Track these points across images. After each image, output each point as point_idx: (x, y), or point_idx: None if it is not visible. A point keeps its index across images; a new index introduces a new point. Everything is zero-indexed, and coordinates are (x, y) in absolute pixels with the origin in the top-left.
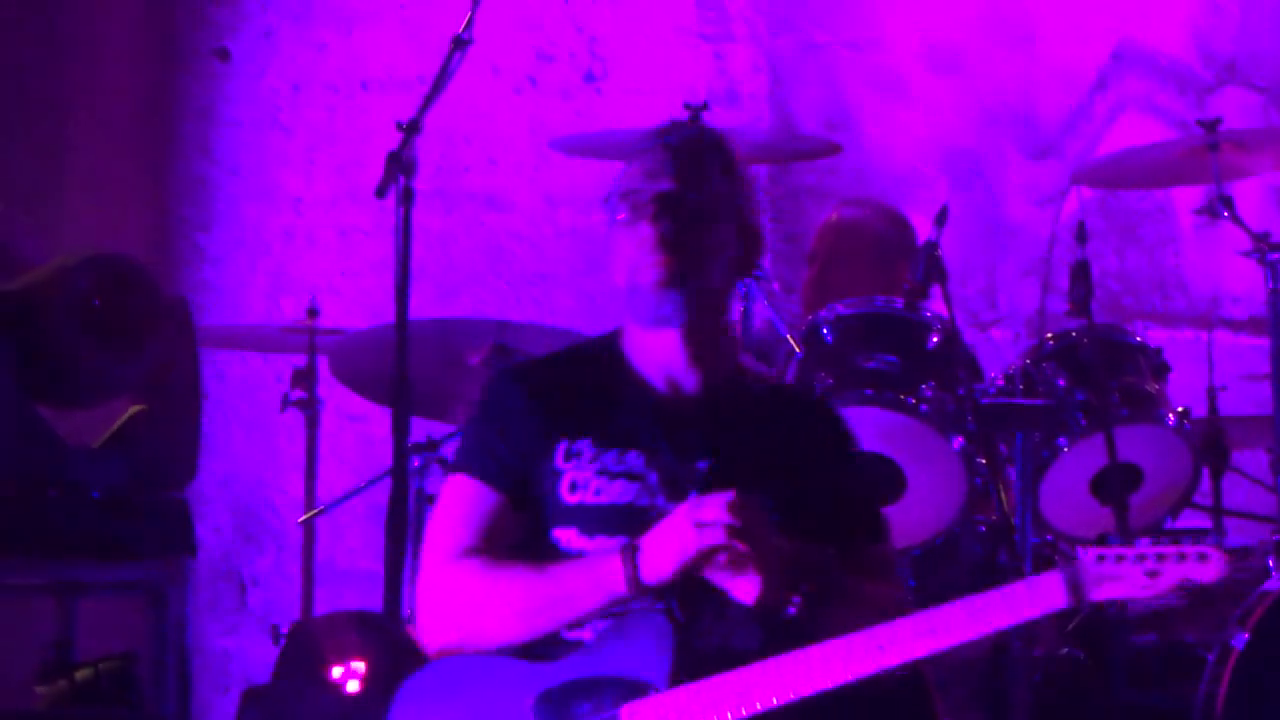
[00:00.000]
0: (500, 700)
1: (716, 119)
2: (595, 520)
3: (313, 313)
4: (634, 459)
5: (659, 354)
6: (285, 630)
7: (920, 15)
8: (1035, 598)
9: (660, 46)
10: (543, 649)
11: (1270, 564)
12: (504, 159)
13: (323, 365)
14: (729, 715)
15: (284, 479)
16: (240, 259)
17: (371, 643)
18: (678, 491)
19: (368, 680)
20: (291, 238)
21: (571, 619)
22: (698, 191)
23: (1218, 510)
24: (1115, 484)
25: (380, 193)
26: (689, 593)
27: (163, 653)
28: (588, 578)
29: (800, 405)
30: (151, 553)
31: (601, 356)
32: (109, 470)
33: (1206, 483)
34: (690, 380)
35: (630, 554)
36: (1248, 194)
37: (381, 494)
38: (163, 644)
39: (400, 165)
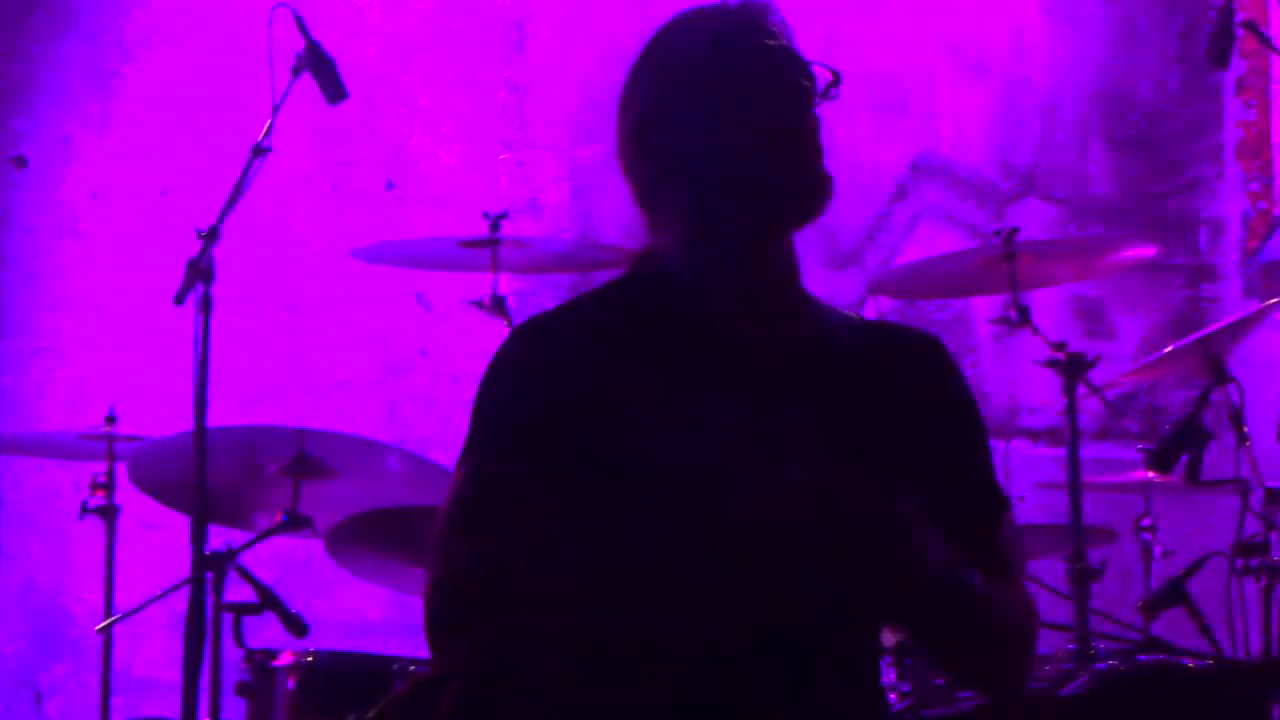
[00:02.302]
0: None
1: (517, 228)
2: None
3: (111, 420)
4: (713, 412)
5: (747, 282)
6: None
7: None
8: None
9: (462, 154)
10: None
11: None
12: (305, 266)
13: (121, 472)
14: None
15: (82, 587)
16: (38, 366)
17: None
18: (772, 452)
19: None
20: (90, 345)
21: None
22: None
23: None
24: None
25: (179, 300)
26: None
27: None
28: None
29: (901, 345)
30: None
31: (643, 298)
32: None
33: None
34: (778, 317)
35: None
36: (1045, 304)
37: (180, 602)
38: None
39: (199, 272)
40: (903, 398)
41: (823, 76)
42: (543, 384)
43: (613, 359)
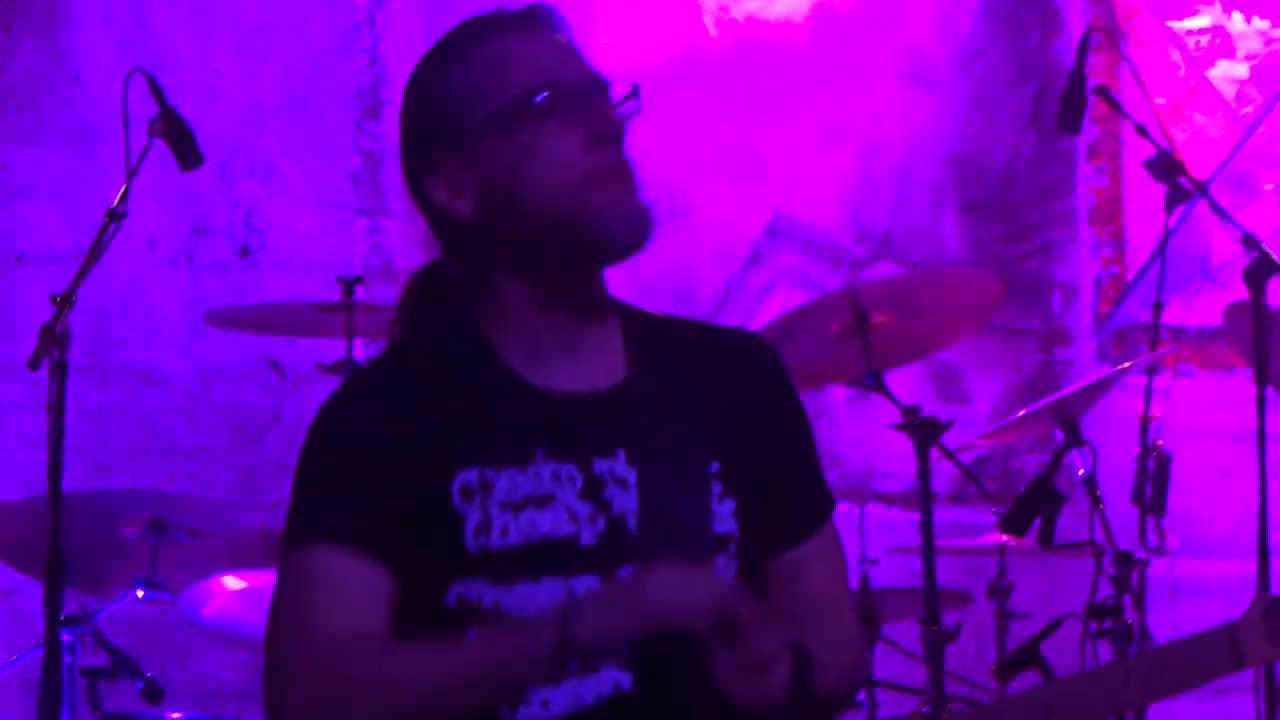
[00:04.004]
0: None
1: (371, 293)
2: (511, 565)
3: None
4: (540, 472)
5: (560, 317)
6: None
7: None
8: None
9: (316, 221)
10: None
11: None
12: (160, 333)
13: None
14: None
15: None
16: None
17: None
18: (601, 503)
19: None
20: None
21: (494, 692)
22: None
23: (870, 682)
24: None
25: (33, 365)
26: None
27: None
28: (510, 639)
29: (722, 346)
30: None
31: (452, 343)
32: None
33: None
34: (599, 347)
35: (564, 616)
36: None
37: (35, 668)
38: None
39: (53, 338)
40: (725, 404)
41: (623, 90)
42: (373, 466)
43: (430, 414)
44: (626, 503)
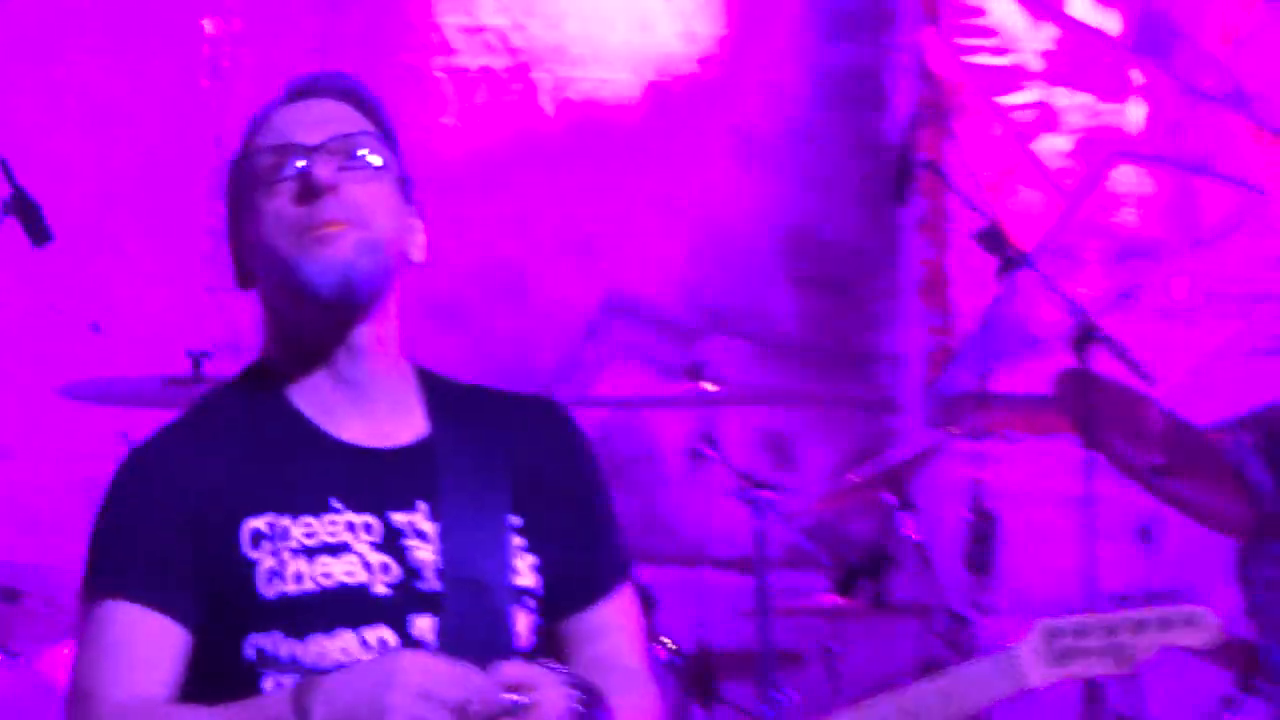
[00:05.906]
0: None
1: (219, 367)
2: (304, 615)
3: None
4: (335, 521)
5: (341, 370)
6: None
7: (418, 269)
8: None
9: (165, 296)
10: None
11: None
12: (7, 408)
13: None
14: None
15: None
16: None
17: None
18: (397, 553)
19: None
20: None
21: None
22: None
23: None
24: None
25: None
26: None
27: None
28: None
29: (519, 410)
30: None
31: (250, 396)
32: None
33: (698, 715)
34: (396, 404)
35: (302, 697)
36: (733, 435)
37: None
38: None
39: None
40: (523, 465)
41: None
42: (161, 518)
43: (231, 479)
44: (424, 555)
